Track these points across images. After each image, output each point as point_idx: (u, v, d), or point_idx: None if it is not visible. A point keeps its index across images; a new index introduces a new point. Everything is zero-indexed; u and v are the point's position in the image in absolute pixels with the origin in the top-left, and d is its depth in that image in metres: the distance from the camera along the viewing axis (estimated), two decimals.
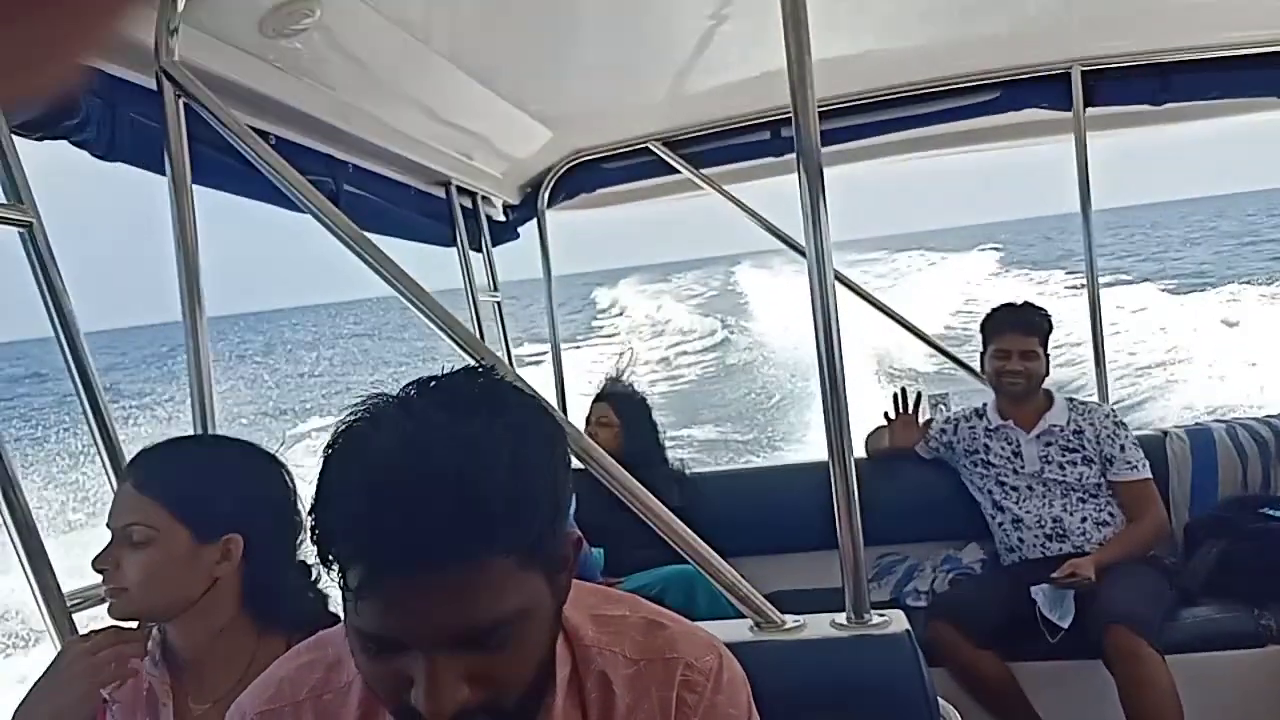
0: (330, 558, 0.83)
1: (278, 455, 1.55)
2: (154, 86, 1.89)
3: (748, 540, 3.29)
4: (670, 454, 3.62)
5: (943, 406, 3.65)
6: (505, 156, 3.59)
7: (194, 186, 1.99)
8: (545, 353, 4.09)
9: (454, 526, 0.79)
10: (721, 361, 19.69)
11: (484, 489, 0.80)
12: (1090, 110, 3.50)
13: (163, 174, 1.97)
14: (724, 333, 23.85)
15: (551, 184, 3.86)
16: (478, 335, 3.53)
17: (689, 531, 1.76)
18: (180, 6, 1.81)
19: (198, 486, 1.44)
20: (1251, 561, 2.90)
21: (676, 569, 2.93)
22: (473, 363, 1.92)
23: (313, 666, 1.02)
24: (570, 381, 4.09)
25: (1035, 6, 3.05)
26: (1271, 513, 3.00)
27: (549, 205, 3.90)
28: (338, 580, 0.85)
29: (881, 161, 4.16)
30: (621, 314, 33.82)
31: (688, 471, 3.61)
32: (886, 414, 3.51)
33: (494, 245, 3.79)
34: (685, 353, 21.74)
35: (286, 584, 1.47)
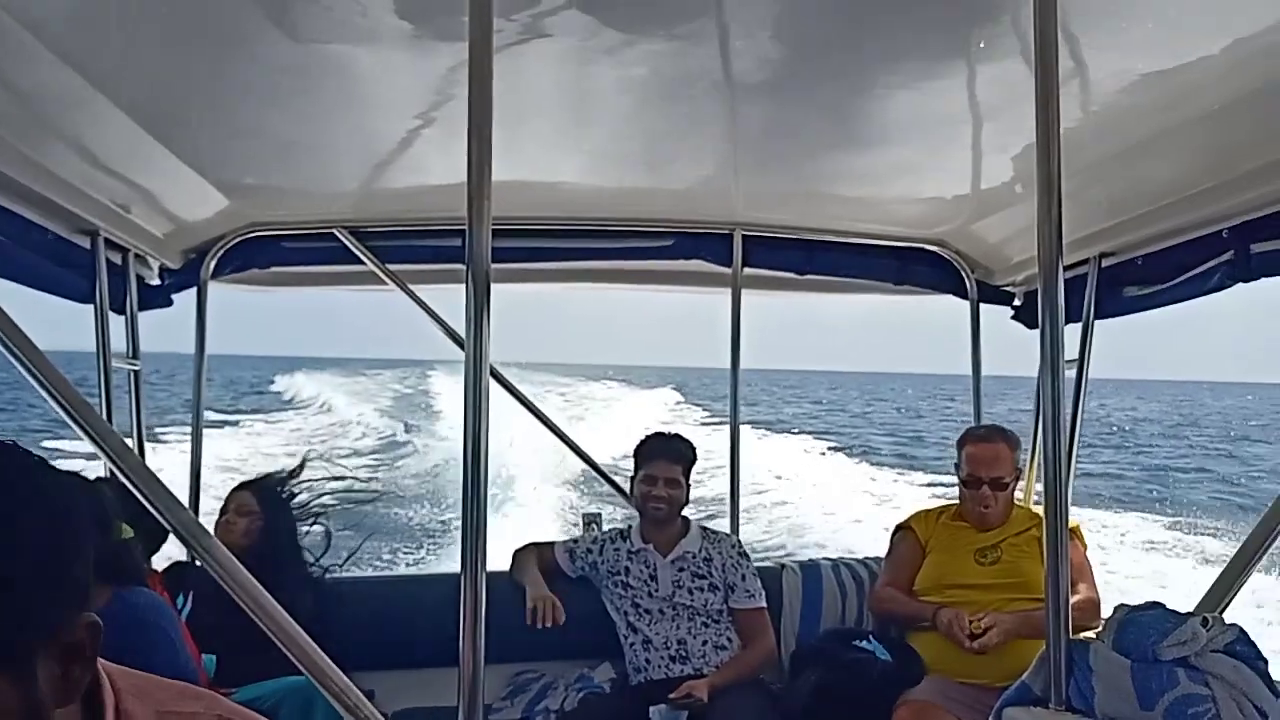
0: None
1: None
2: None
3: (388, 652, 3.15)
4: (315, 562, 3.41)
5: (594, 525, 3.77)
6: (170, 217, 3.35)
7: None
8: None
9: None
10: (395, 459, 20.32)
11: None
12: (747, 270, 3.91)
13: None
14: (404, 434, 24.12)
15: (220, 254, 3.63)
16: (105, 404, 3.20)
17: (306, 639, 1.66)
18: None
19: None
20: (844, 689, 3.20)
21: (296, 680, 2.73)
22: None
23: None
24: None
25: (708, 171, 3.40)
26: (863, 645, 3.35)
27: (214, 275, 3.66)
28: None
29: (577, 289, 4.37)
30: (308, 405, 32.55)
31: (327, 576, 3.41)
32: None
33: (141, 309, 3.48)
34: (363, 445, 22.45)
35: None
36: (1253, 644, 1.73)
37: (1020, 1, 1.97)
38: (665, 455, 3.39)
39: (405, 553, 12.18)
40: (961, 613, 3.10)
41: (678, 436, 3.51)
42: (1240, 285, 2.89)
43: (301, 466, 3.46)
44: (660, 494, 3.34)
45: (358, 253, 3.69)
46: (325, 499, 3.48)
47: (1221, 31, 2.08)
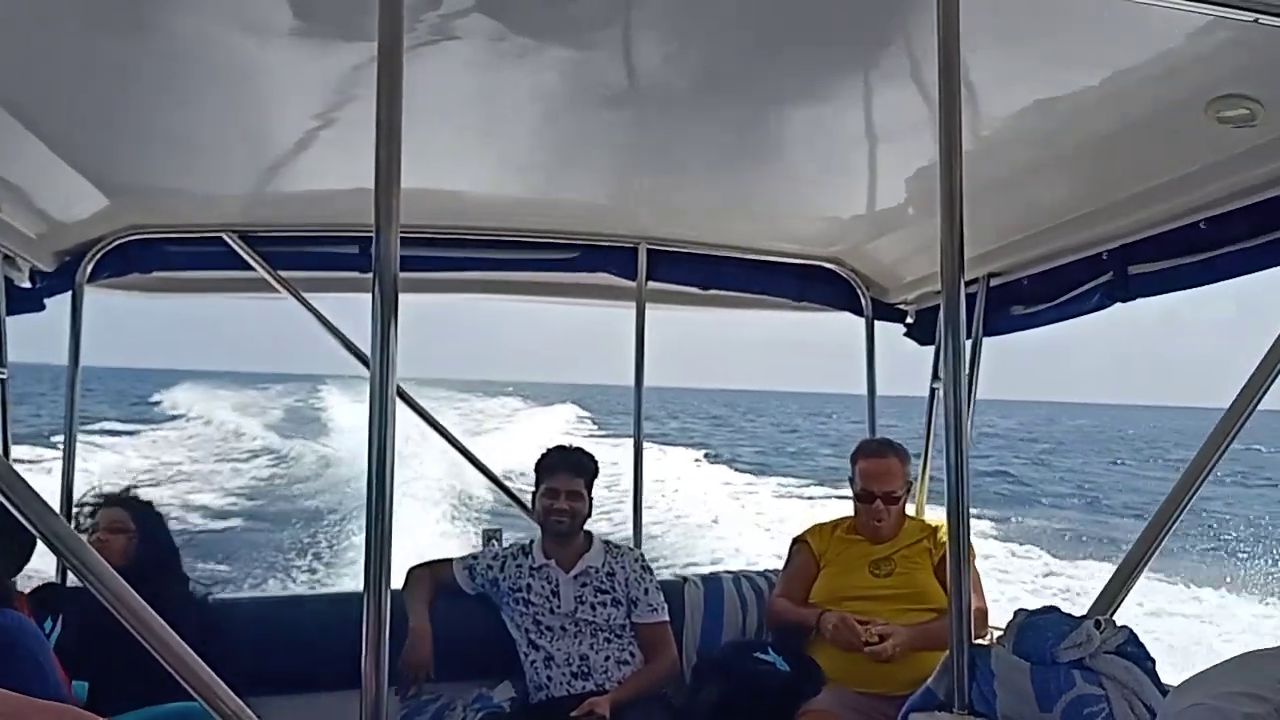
0: None
1: None
2: None
3: (277, 676, 3.00)
4: (194, 580, 3.24)
5: (495, 541, 3.69)
6: (44, 216, 3.15)
7: None
8: None
9: None
10: (286, 473, 21.05)
11: None
12: (652, 284, 3.92)
13: None
14: (292, 445, 24.66)
15: (98, 256, 3.43)
16: None
17: (194, 658, 1.55)
18: None
19: None
20: (746, 701, 3.21)
21: (178, 707, 2.59)
22: None
23: None
24: None
25: (614, 184, 3.40)
26: (764, 657, 3.37)
27: (90, 279, 3.45)
28: None
29: (475, 301, 4.31)
30: (190, 417, 31.94)
31: (210, 597, 3.24)
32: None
33: (10, 314, 3.26)
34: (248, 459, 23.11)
35: None
36: (1141, 645, 1.81)
37: (918, 27, 2.03)
38: (567, 468, 3.34)
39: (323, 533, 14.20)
40: (847, 615, 3.14)
41: (580, 450, 3.47)
42: (1119, 308, 3.06)
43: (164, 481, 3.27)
44: (563, 507, 3.29)
45: (248, 259, 3.55)
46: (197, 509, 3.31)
47: (1103, 63, 2.20)
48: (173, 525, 3.28)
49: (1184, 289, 2.80)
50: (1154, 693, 1.72)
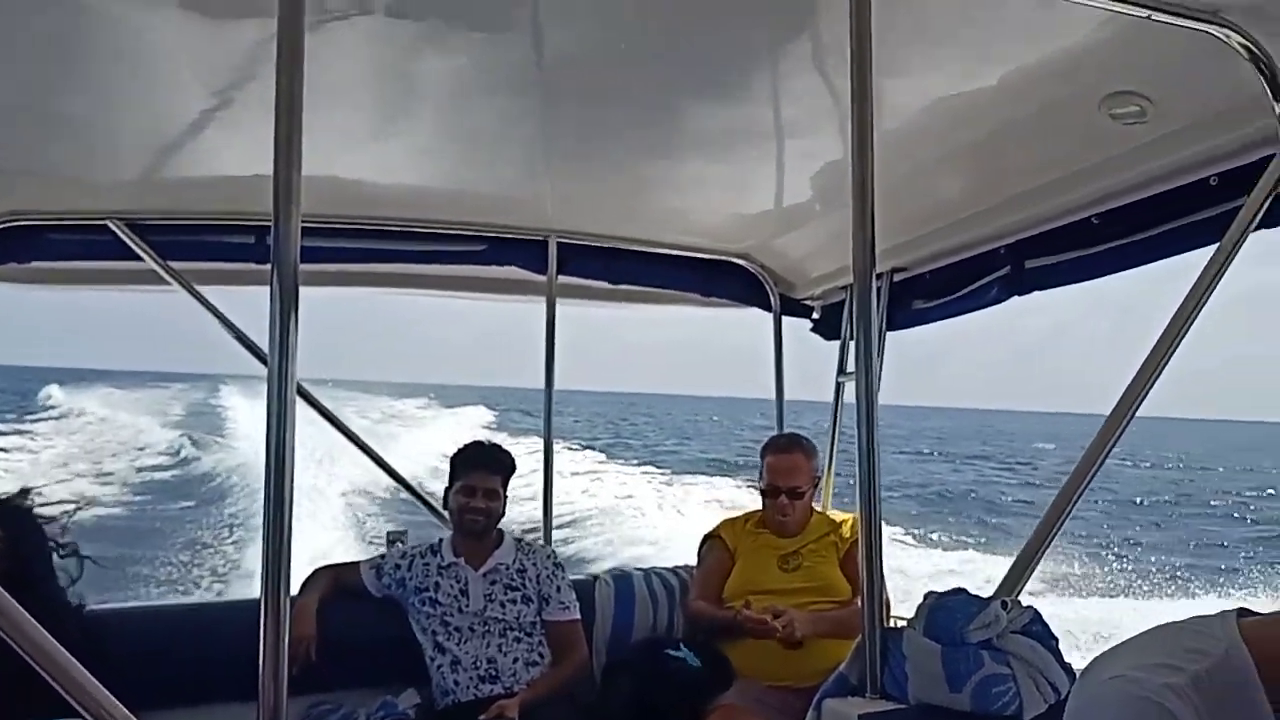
0: None
1: None
2: None
3: (163, 689, 2.84)
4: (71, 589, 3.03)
5: (400, 542, 3.58)
6: None
7: None
8: None
9: None
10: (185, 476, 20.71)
11: None
12: (562, 278, 3.87)
13: None
14: (192, 449, 24.08)
15: None
16: None
17: (84, 673, 1.45)
18: None
19: None
20: (657, 698, 3.18)
21: None
22: None
23: None
24: None
25: (521, 175, 3.34)
26: (675, 653, 3.36)
27: None
28: None
29: (378, 296, 4.18)
30: (79, 416, 30.47)
31: (88, 607, 3.04)
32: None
33: None
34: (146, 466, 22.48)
35: None
36: (1045, 624, 1.86)
37: (827, 23, 2.05)
38: (484, 465, 3.26)
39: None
40: (745, 611, 3.12)
41: (497, 446, 3.37)
42: (1014, 318, 3.16)
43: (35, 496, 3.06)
44: (479, 505, 3.20)
45: (136, 249, 3.36)
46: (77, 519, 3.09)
47: (1002, 60, 2.26)
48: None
49: (1076, 282, 2.90)
50: (1058, 671, 1.77)
